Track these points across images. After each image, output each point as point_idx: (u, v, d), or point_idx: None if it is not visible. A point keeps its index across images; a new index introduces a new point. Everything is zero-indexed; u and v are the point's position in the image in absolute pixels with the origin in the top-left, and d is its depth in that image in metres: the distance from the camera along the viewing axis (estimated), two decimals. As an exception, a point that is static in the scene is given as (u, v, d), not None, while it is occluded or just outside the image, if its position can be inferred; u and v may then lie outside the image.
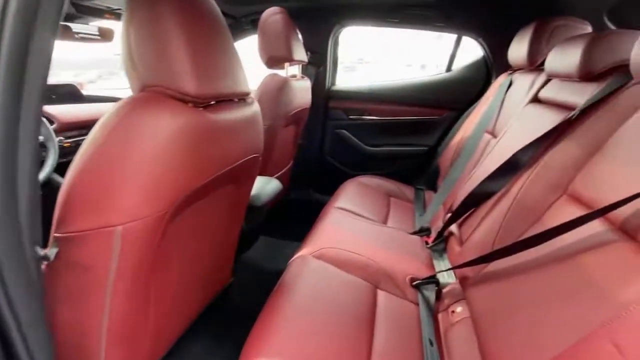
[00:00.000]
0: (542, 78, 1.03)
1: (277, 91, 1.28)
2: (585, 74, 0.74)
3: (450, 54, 1.66)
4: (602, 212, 0.53)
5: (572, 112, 0.74)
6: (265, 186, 1.17)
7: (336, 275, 0.94)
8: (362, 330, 0.76)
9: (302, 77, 1.55)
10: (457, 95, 1.66)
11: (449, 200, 1.27)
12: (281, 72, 1.39)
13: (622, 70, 0.69)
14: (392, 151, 1.82)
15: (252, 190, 1.09)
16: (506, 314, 0.65)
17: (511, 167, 0.83)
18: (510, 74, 1.35)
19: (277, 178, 1.55)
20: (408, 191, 1.69)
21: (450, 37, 1.66)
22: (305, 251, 1.04)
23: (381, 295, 0.92)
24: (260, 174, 1.39)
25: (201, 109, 0.58)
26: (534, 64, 1.12)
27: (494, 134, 1.30)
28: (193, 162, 0.57)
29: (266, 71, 1.37)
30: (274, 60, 1.33)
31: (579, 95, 0.77)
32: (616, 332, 0.37)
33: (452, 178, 1.30)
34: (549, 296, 0.58)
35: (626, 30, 0.71)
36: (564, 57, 0.82)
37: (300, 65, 1.64)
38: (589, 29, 1.07)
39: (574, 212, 0.66)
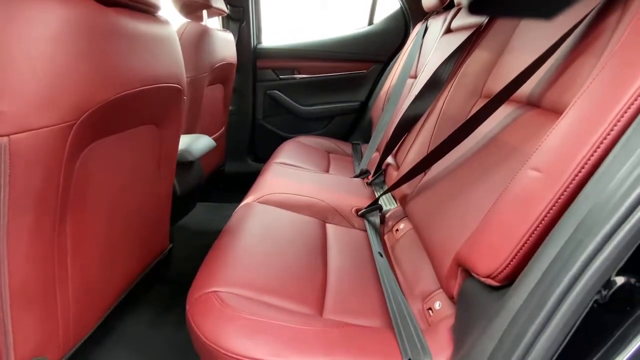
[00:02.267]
0: (452, 12, 1.11)
1: (197, 39, 1.17)
2: None
3: (370, 7, 1.70)
4: (507, 93, 0.59)
5: (479, 26, 0.81)
6: (195, 141, 1.08)
7: (284, 215, 0.93)
8: (317, 256, 0.76)
9: (225, 31, 1.44)
10: (380, 48, 1.72)
11: (382, 142, 1.33)
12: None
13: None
14: (326, 109, 1.83)
15: (180, 144, 1.01)
16: (442, 210, 0.70)
17: (433, 85, 0.89)
18: (425, 21, 1.44)
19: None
20: (346, 147, 1.73)
21: None
22: (249, 199, 0.99)
23: (330, 227, 0.93)
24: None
25: (104, 6, 0.49)
26: (444, 3, 1.21)
27: (416, 77, 1.39)
28: (94, 66, 0.47)
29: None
30: (189, 6, 1.21)
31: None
32: (533, 160, 0.41)
33: (383, 123, 1.36)
34: (476, 180, 0.63)
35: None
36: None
37: (220, 20, 1.53)
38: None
39: (490, 110, 0.74)
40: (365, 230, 0.94)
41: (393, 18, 1.69)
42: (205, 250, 0.82)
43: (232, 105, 1.77)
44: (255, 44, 1.72)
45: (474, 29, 0.86)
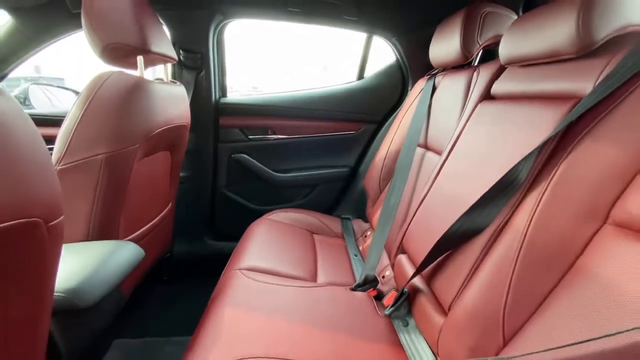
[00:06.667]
0: (486, 72, 0.83)
1: (123, 96, 0.77)
2: (584, 46, 0.52)
3: (360, 59, 1.44)
4: None
5: (580, 102, 0.50)
6: (103, 264, 0.64)
7: None
8: None
9: (175, 83, 1.07)
10: (373, 107, 1.43)
11: (393, 236, 0.97)
12: (133, 74, 0.89)
13: (631, 36, 0.49)
14: (307, 176, 1.47)
15: (69, 277, 0.58)
16: None
17: (502, 190, 0.55)
18: (430, 77, 1.18)
19: (146, 234, 1.01)
20: (333, 223, 1.35)
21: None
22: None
23: None
24: (108, 236, 0.84)
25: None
26: (469, 58, 0.94)
27: (428, 147, 1.08)
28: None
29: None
30: (114, 51, 0.83)
31: (571, 79, 0.55)
32: None
33: (390, 207, 1.01)
34: None
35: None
36: (538, 34, 0.61)
37: (169, 69, 1.17)
38: (514, 17, 0.95)
39: (637, 250, 0.40)
40: None
41: (388, 72, 1.42)
42: None
43: (184, 171, 1.36)
44: (217, 97, 1.36)
45: (546, 102, 0.55)
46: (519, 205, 0.53)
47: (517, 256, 0.50)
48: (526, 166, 0.53)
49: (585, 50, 0.53)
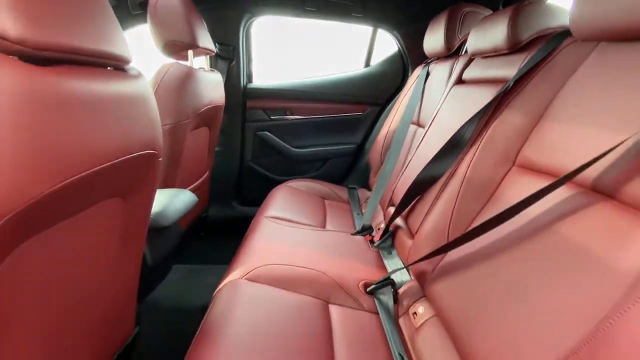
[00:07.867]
0: (462, 61, 1.04)
1: (180, 82, 1.04)
2: (513, 45, 0.73)
3: (367, 49, 1.65)
4: (571, 176, 0.48)
5: (506, 84, 0.72)
6: (173, 200, 0.91)
7: (278, 297, 0.76)
8: (320, 358, 0.60)
9: (212, 71, 1.33)
10: (377, 91, 1.65)
11: (386, 194, 1.20)
12: (184, 63, 1.15)
13: (548, 36, 0.70)
14: (320, 151, 1.72)
15: (155, 205, 0.84)
16: (483, 309, 0.56)
17: (454, 147, 0.78)
18: (426, 65, 1.38)
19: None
20: (341, 192, 1.60)
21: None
22: (235, 274, 0.82)
23: (335, 311, 0.77)
24: (168, 188, 1.12)
25: (38, 66, 0.35)
26: (451, 50, 1.14)
27: (419, 124, 1.30)
28: (30, 151, 0.33)
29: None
30: (173, 47, 1.09)
31: (508, 67, 0.76)
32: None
33: (385, 172, 1.25)
34: (528, 279, 0.50)
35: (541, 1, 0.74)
36: (488, 34, 0.82)
37: (208, 59, 1.42)
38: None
39: (529, 182, 0.62)
40: (376, 312, 0.79)
41: (391, 60, 1.63)
42: (180, 335, 0.66)
43: (218, 146, 1.63)
44: (245, 83, 1.61)
45: (495, 85, 0.77)
46: (463, 157, 0.76)
47: (459, 192, 0.73)
48: (469, 129, 0.75)
49: (515, 47, 0.74)
